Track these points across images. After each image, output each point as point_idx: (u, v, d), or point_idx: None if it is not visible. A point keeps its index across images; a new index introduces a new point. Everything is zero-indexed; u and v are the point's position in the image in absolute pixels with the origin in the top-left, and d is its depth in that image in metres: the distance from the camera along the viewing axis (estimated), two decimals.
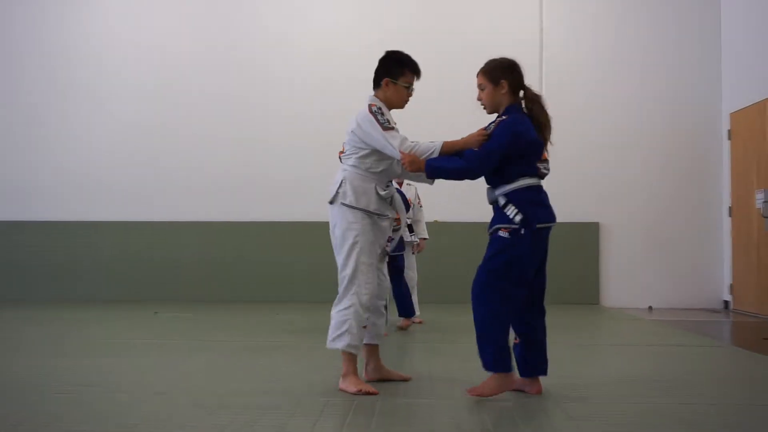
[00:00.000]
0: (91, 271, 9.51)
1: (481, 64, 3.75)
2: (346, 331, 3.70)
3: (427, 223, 7.07)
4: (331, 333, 3.74)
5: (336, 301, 3.79)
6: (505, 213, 3.52)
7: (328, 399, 3.59)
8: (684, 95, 9.45)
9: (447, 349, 5.43)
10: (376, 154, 3.78)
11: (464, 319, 6.99)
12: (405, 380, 4.03)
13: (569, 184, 9.17)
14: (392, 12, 9.56)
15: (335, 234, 3.82)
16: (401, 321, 6.52)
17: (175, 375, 4.25)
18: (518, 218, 3.48)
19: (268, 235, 9.48)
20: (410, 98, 3.96)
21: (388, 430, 3.05)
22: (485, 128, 3.65)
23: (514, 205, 3.51)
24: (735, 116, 9.08)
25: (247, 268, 9.42)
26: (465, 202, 7.82)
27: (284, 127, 9.56)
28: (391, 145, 3.66)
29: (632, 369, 4.70)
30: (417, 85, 4.00)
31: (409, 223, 6.58)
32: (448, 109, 8.48)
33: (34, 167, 9.75)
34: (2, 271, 9.54)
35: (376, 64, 3.95)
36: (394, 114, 3.92)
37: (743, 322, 7.93)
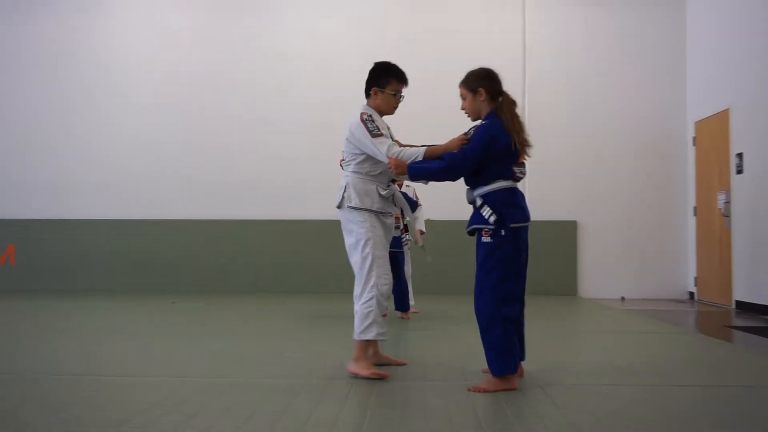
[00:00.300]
0: (114, 265, 9.48)
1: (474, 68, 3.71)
2: (373, 321, 3.65)
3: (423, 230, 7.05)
4: (359, 325, 3.69)
5: (357, 295, 3.73)
6: (481, 213, 3.47)
7: (329, 381, 3.57)
8: (653, 106, 9.47)
9: (440, 336, 5.41)
10: (372, 158, 3.75)
11: (455, 309, 7.01)
12: (401, 365, 4.00)
13: (550, 187, 9.20)
14: (390, 28, 9.53)
15: (347, 235, 3.80)
16: (399, 314, 6.45)
17: (190, 359, 4.23)
18: (492, 218, 3.42)
19: (275, 231, 9.46)
20: (399, 104, 3.92)
21: (385, 409, 3.04)
22: (465, 133, 3.61)
23: (489, 206, 3.44)
24: (699, 125, 9.07)
25: (257, 261, 9.41)
26: (455, 203, 7.81)
27: (288, 132, 9.54)
28: (379, 151, 3.64)
29: (608, 355, 4.69)
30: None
31: (404, 223, 6.53)
32: (441, 118, 8.46)
33: (62, 170, 9.73)
34: (46, 264, 9.52)
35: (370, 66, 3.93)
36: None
37: (706, 311, 7.93)
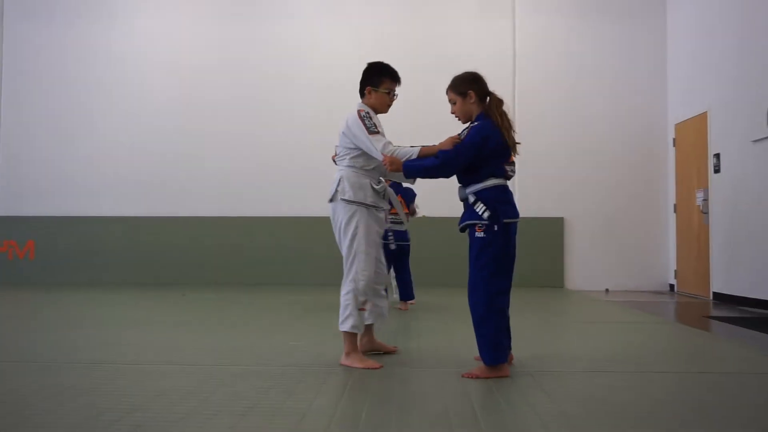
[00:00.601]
0: (128, 259, 9.47)
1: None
2: (350, 314, 3.62)
3: (416, 217, 7.04)
4: (340, 316, 3.68)
5: (341, 286, 3.72)
6: (474, 210, 3.43)
7: (331, 368, 3.57)
8: (636, 109, 9.48)
9: (436, 326, 5.41)
10: (367, 153, 3.68)
11: (449, 300, 7.01)
12: (392, 352, 3.97)
13: (539, 185, 9.19)
14: (388, 30, 9.52)
15: (339, 227, 3.72)
16: (400, 303, 6.44)
17: (200, 348, 4.22)
18: (486, 214, 3.38)
19: (281, 227, 9.47)
20: (393, 102, 3.85)
21: (384, 396, 3.04)
22: (459, 135, 3.57)
23: (482, 202, 3.41)
24: (679, 127, 9.07)
25: (264, 255, 9.41)
26: (451, 200, 7.81)
27: (292, 133, 9.54)
28: (375, 147, 3.58)
29: (593, 344, 4.69)
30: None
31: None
32: (435, 120, 8.46)
33: (79, 169, 9.72)
34: (63, 259, 9.51)
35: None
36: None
37: (686, 302, 7.93)
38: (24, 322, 5.60)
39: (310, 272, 9.24)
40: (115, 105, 9.77)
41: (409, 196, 6.47)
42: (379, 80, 3.80)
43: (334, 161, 3.97)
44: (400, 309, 6.37)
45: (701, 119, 8.38)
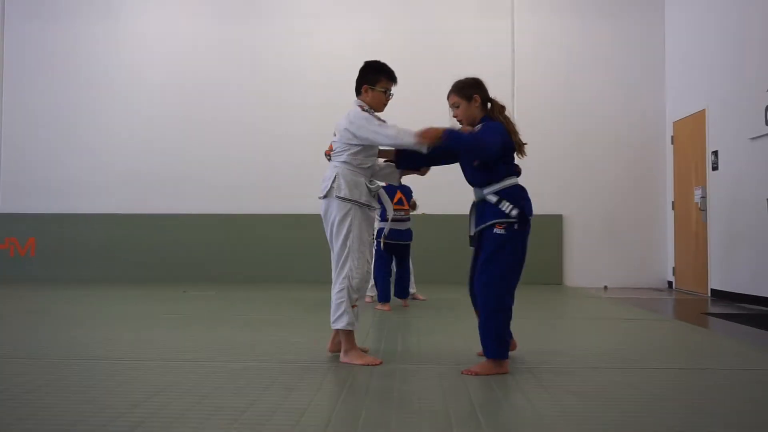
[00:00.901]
0: (128, 256, 9.48)
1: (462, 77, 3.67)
2: (344, 311, 3.58)
3: (415, 215, 7.04)
4: (333, 314, 3.63)
5: (332, 284, 3.69)
6: (500, 209, 3.38)
7: (331, 365, 3.58)
8: (634, 107, 9.48)
9: (434, 322, 5.42)
10: (366, 150, 3.66)
11: (449, 296, 7.01)
12: (363, 350, 3.86)
13: (538, 182, 9.08)
14: (386, 30, 9.52)
15: (332, 224, 3.67)
16: (403, 301, 6.41)
17: (201, 345, 4.22)
18: (515, 212, 3.37)
19: (281, 224, 9.47)
20: (389, 102, 3.83)
21: (383, 392, 3.04)
22: (473, 129, 3.52)
23: (508, 201, 3.39)
24: (677, 124, 9.07)
25: (265, 252, 9.43)
26: (449, 198, 7.81)
27: (292, 132, 9.54)
28: (386, 134, 3.53)
29: (592, 340, 4.70)
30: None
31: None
32: (434, 119, 8.46)
33: (81, 166, 9.72)
34: (64, 256, 9.51)
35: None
36: (388, 120, 3.86)
37: (684, 299, 7.94)
38: (25, 319, 5.60)
39: (310, 269, 9.22)
40: (116, 103, 9.77)
41: (406, 192, 6.45)
42: (376, 79, 3.77)
43: (326, 156, 3.91)
44: (404, 306, 6.33)
45: (699, 117, 8.38)
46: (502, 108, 3.57)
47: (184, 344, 4.26)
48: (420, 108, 8.45)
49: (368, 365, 3.53)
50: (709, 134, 8.13)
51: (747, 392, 3.12)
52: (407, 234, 6.40)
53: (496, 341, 3.35)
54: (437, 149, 3.51)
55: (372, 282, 6.48)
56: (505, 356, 3.38)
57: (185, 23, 9.84)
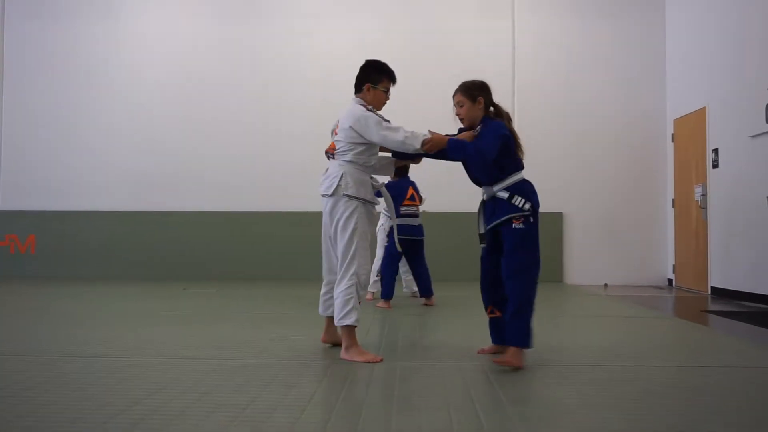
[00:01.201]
0: (128, 253, 9.48)
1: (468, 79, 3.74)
2: (352, 308, 3.58)
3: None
4: (339, 311, 3.60)
5: (337, 281, 3.68)
6: (513, 204, 3.48)
7: (331, 362, 3.58)
8: (635, 105, 9.48)
9: (436, 320, 5.42)
10: (370, 149, 3.69)
11: (447, 294, 7.01)
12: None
13: (538, 180, 9.05)
14: (387, 30, 9.52)
15: (338, 222, 3.67)
16: (424, 299, 6.31)
17: (201, 342, 4.22)
18: (527, 206, 3.48)
19: (281, 222, 9.46)
20: (387, 101, 3.88)
21: (384, 388, 3.04)
22: (474, 131, 3.62)
23: (520, 195, 3.49)
24: (677, 122, 9.07)
25: (264, 250, 9.42)
26: (447, 196, 7.82)
27: (292, 130, 9.54)
28: (395, 139, 3.55)
29: (592, 337, 4.70)
30: (410, 96, 3.97)
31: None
32: (434, 117, 8.47)
33: (81, 164, 9.72)
34: (64, 253, 9.52)
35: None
36: (389, 118, 3.88)
37: (684, 297, 7.94)
38: (25, 316, 5.60)
39: (310, 267, 9.17)
40: (117, 101, 9.77)
41: (415, 187, 6.41)
42: (378, 78, 3.81)
43: (327, 155, 3.93)
44: (426, 305, 6.25)
45: (700, 115, 8.38)
46: (507, 114, 3.68)
47: (184, 342, 4.26)
48: (420, 107, 8.48)
49: (369, 362, 3.53)
50: (709, 132, 8.12)
51: (747, 390, 3.12)
52: (420, 230, 6.30)
53: (528, 332, 3.44)
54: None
55: (373, 279, 6.47)
56: (531, 345, 3.46)
57: (185, 23, 9.83)
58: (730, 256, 7.63)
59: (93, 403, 2.71)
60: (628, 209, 9.39)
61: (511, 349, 3.44)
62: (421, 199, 6.48)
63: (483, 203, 3.68)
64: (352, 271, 3.62)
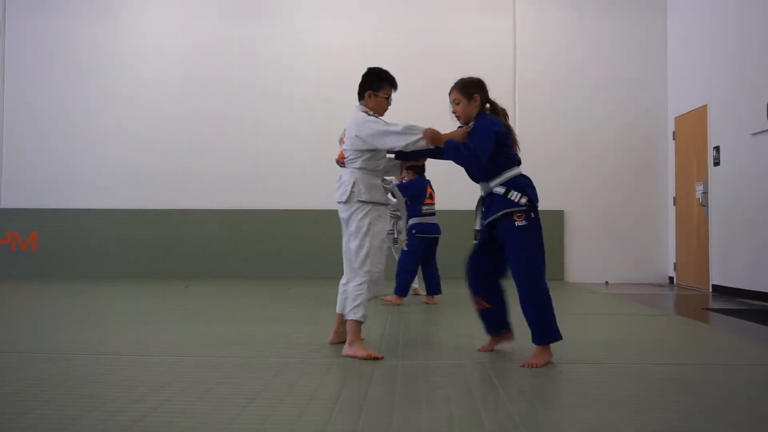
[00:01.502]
0: (130, 251, 9.48)
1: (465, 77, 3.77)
2: (360, 304, 3.67)
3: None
4: (349, 305, 3.71)
5: (350, 277, 3.79)
6: (509, 199, 3.48)
7: (333, 360, 3.58)
8: (636, 102, 9.46)
9: (437, 318, 5.42)
10: (377, 154, 3.79)
11: (448, 292, 7.00)
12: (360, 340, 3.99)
13: (540, 178, 9.03)
14: (387, 29, 9.52)
15: (352, 225, 3.77)
16: (427, 297, 6.32)
17: (203, 340, 4.23)
18: (524, 200, 3.48)
19: (281, 220, 9.47)
20: (389, 108, 3.97)
21: (386, 385, 3.04)
22: (467, 126, 3.66)
23: (516, 190, 3.49)
24: (678, 120, 9.06)
25: (265, 248, 9.41)
26: (447, 196, 7.81)
27: (292, 130, 9.55)
28: (395, 131, 3.63)
29: (593, 335, 4.69)
30: (410, 95, 4.03)
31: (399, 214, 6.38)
32: (434, 114, 8.47)
33: (82, 162, 9.72)
34: (65, 251, 9.52)
35: (369, 66, 4.00)
36: (389, 117, 3.92)
37: (685, 294, 7.94)
38: (26, 313, 5.61)
39: (312, 265, 9.23)
40: (117, 98, 9.77)
41: (431, 186, 6.39)
42: (380, 85, 3.90)
43: (338, 163, 4.03)
44: (427, 303, 6.26)
45: (701, 112, 8.37)
46: (504, 111, 3.70)
47: (185, 339, 4.27)
48: (421, 107, 8.44)
49: (371, 359, 3.56)
50: (710, 130, 8.11)
51: (748, 388, 3.12)
52: (438, 228, 6.32)
53: (550, 327, 3.46)
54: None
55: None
56: (560, 337, 3.49)
57: (185, 22, 9.81)
58: (731, 253, 7.63)
59: (94, 400, 2.72)
60: (630, 207, 9.39)
61: (536, 349, 3.47)
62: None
63: (481, 199, 3.69)
64: (365, 269, 3.71)
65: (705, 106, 8.25)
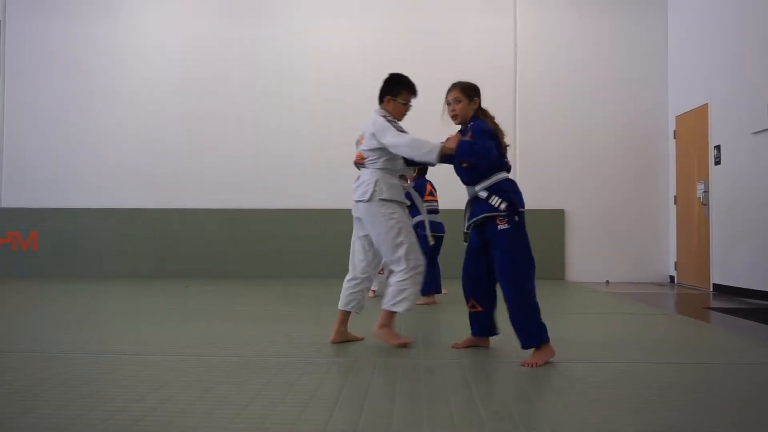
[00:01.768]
0: (130, 251, 9.50)
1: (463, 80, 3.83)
2: (405, 297, 3.83)
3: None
4: (391, 299, 3.84)
5: (392, 274, 3.90)
6: (489, 203, 3.53)
7: (333, 359, 3.59)
8: (637, 101, 9.47)
9: (438, 317, 5.42)
10: (396, 155, 3.91)
11: (450, 291, 7.01)
12: (360, 339, 4.10)
13: (541, 178, 9.18)
14: (388, 30, 9.52)
15: (380, 225, 3.87)
16: (424, 299, 6.27)
17: (203, 339, 4.23)
18: (503, 206, 3.50)
19: (281, 219, 9.48)
20: (407, 113, 4.09)
21: (387, 385, 3.05)
22: (459, 132, 3.75)
23: (498, 195, 3.53)
24: (679, 119, 9.06)
25: (264, 247, 9.43)
26: (444, 196, 7.80)
27: (292, 130, 9.55)
28: (401, 142, 3.77)
29: (593, 334, 4.70)
30: (413, 100, 4.14)
31: None
32: (435, 112, 8.48)
33: (82, 162, 9.73)
34: (66, 251, 9.53)
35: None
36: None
37: (686, 293, 7.94)
38: (26, 313, 5.61)
39: (312, 265, 9.25)
40: (118, 97, 9.78)
41: (432, 185, 6.42)
42: (398, 91, 4.04)
43: (356, 165, 4.15)
44: (426, 303, 6.23)
45: (702, 111, 8.37)
46: (493, 117, 3.75)
47: (186, 339, 4.27)
48: (421, 107, 8.47)
49: (400, 345, 3.82)
50: (711, 129, 8.11)
51: (748, 387, 3.12)
52: (442, 226, 6.33)
53: (535, 329, 3.44)
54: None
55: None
56: (546, 339, 3.46)
57: (186, 22, 9.82)
58: (732, 252, 7.63)
59: (94, 400, 2.72)
60: (630, 206, 9.39)
61: (533, 353, 3.47)
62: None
63: (469, 202, 3.74)
64: (410, 265, 3.84)
65: (706, 105, 8.25)
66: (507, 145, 3.70)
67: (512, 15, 9.57)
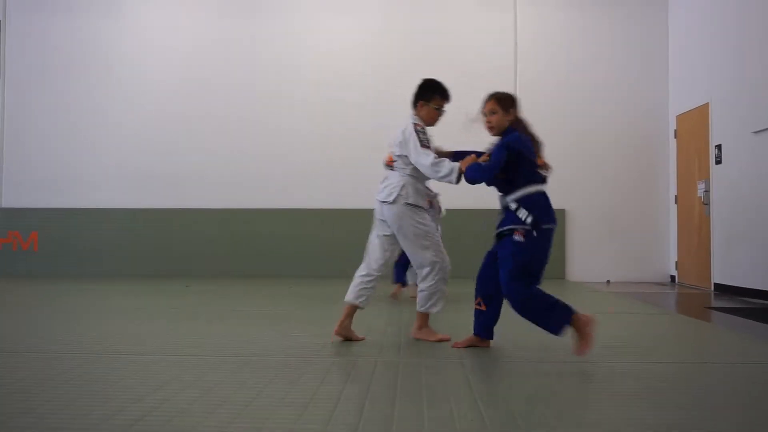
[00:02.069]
0: (130, 251, 9.50)
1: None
2: (438, 299, 4.01)
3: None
4: (425, 302, 4.01)
5: (422, 278, 4.03)
6: (517, 215, 3.53)
7: (334, 359, 3.58)
8: (638, 101, 9.47)
9: (439, 316, 5.40)
10: None
11: (451, 290, 7.00)
12: (360, 340, 4.09)
13: None
14: (388, 29, 9.51)
15: (406, 229, 3.95)
16: (394, 288, 6.40)
17: (204, 338, 4.22)
18: (529, 219, 3.50)
19: (283, 218, 9.47)
20: (441, 118, 4.11)
21: (388, 385, 3.04)
22: (475, 155, 3.77)
23: (525, 208, 3.52)
24: (680, 118, 9.05)
25: (264, 247, 9.43)
26: (446, 195, 7.80)
27: (292, 129, 9.55)
28: (422, 161, 3.84)
29: (595, 333, 4.68)
30: (409, 93, 4.14)
31: None
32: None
33: (82, 162, 9.73)
34: (66, 251, 9.53)
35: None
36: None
37: (687, 293, 7.93)
38: (27, 313, 5.61)
39: (312, 265, 9.25)
40: (118, 97, 9.78)
41: None
42: (431, 96, 4.08)
43: (386, 166, 4.20)
44: (393, 294, 6.33)
45: (702, 110, 8.36)
46: (527, 126, 3.77)
47: (186, 338, 4.26)
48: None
49: (439, 341, 3.97)
50: (712, 128, 8.11)
51: (749, 387, 3.11)
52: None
53: (553, 316, 3.49)
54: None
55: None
56: (568, 318, 3.49)
57: (187, 21, 9.83)
58: (733, 252, 7.62)
59: (94, 400, 2.72)
60: (631, 205, 9.39)
61: (574, 335, 3.51)
62: (440, 210, 6.52)
63: (500, 210, 3.76)
64: (436, 269, 3.97)
65: (706, 104, 8.25)
66: (543, 160, 3.68)
67: (512, 15, 9.57)
